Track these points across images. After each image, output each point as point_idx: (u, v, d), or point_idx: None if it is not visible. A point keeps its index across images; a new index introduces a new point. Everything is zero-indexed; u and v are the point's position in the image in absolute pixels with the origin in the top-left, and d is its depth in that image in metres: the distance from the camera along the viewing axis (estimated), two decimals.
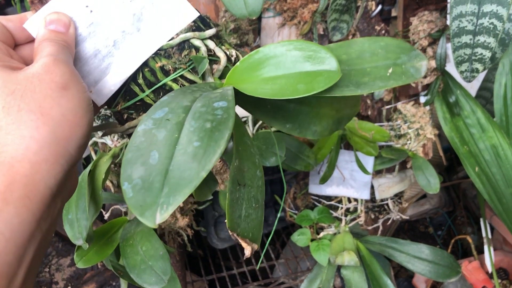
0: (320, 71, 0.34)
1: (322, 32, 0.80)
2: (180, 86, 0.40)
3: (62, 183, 0.31)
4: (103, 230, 0.75)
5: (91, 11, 0.38)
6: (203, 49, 0.40)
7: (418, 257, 0.93)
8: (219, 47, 0.42)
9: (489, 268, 1.21)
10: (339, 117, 0.45)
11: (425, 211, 1.54)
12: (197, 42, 0.40)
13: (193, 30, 0.41)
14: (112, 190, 0.83)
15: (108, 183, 0.85)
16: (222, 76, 0.42)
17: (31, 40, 0.38)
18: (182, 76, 0.40)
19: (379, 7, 0.82)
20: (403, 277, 1.39)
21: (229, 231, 0.33)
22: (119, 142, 0.79)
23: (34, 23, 0.37)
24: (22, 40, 0.37)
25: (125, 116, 0.42)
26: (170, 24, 0.40)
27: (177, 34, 0.40)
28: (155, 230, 0.76)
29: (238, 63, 0.38)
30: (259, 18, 0.80)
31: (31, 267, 0.29)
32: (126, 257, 0.69)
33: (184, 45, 0.40)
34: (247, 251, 0.33)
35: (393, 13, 0.86)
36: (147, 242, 0.71)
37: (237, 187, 0.35)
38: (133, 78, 0.40)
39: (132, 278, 0.68)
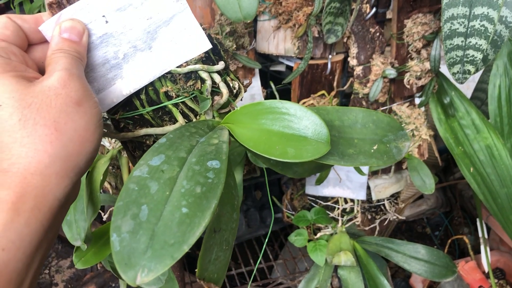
0: (311, 140, 0.36)
1: (317, 35, 0.81)
2: (180, 111, 0.41)
3: (70, 194, 0.32)
4: (101, 231, 0.75)
5: (107, 21, 0.39)
6: (208, 83, 0.41)
7: (414, 257, 0.94)
8: (224, 80, 0.43)
9: (486, 268, 1.22)
10: (320, 165, 0.48)
11: (422, 211, 1.55)
12: (204, 75, 0.41)
13: (203, 60, 0.42)
14: (110, 191, 0.84)
15: (106, 184, 0.85)
16: (222, 106, 0.43)
17: (44, 41, 0.38)
18: (183, 102, 0.41)
19: (374, 9, 0.83)
20: (401, 277, 1.39)
21: (197, 279, 0.34)
22: (116, 145, 0.80)
23: (49, 26, 0.38)
24: (35, 41, 0.38)
25: (122, 125, 0.43)
26: (183, 50, 0.40)
27: (187, 63, 0.41)
28: None
29: (238, 109, 0.39)
30: (255, 21, 0.81)
31: (36, 273, 0.30)
32: None
33: (191, 75, 0.41)
34: None
35: (388, 16, 0.87)
36: None
37: (212, 235, 0.36)
38: (136, 92, 0.41)
39: None
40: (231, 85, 0.44)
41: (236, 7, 0.59)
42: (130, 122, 0.42)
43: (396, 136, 0.41)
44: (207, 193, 0.29)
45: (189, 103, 0.41)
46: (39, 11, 1.00)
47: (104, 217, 0.85)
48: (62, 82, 0.33)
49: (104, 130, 0.46)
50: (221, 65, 0.43)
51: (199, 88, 0.41)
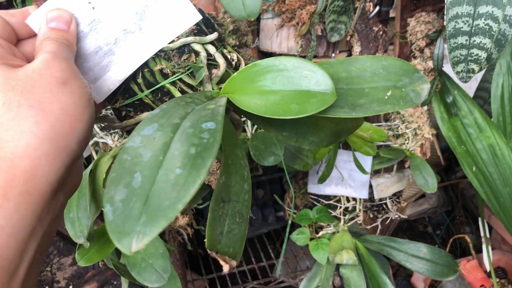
0: (314, 92, 0.34)
1: (320, 33, 0.81)
2: (178, 89, 0.40)
3: (63, 178, 0.31)
4: (104, 229, 0.75)
5: (94, 7, 0.38)
6: (202, 54, 0.40)
7: (416, 256, 0.94)
8: (220, 51, 0.42)
9: (487, 267, 1.22)
10: (338, 130, 0.44)
11: (424, 210, 1.55)
12: (197, 47, 0.40)
13: (195, 33, 0.41)
14: None
15: None
16: (222, 81, 0.41)
17: (34, 35, 0.38)
18: (180, 80, 0.40)
19: (377, 8, 0.83)
20: (402, 276, 1.39)
21: (208, 250, 0.32)
22: (119, 142, 0.80)
23: (36, 18, 0.37)
24: (24, 35, 0.37)
25: (123, 113, 0.42)
26: (173, 25, 0.40)
27: (178, 37, 0.40)
28: None
29: (235, 74, 0.38)
30: (258, 19, 0.81)
31: (33, 262, 0.29)
32: (127, 255, 0.70)
33: (184, 49, 0.40)
34: (225, 268, 0.33)
35: (391, 14, 0.87)
36: None
37: (221, 204, 0.35)
38: (132, 77, 0.40)
39: (133, 276, 0.69)
40: (229, 57, 0.43)
41: (240, 5, 0.59)
42: (131, 109, 0.42)
43: (411, 79, 0.38)
44: (202, 153, 0.28)
45: (187, 79, 0.40)
46: None
47: None
48: (45, 63, 0.32)
49: (105, 123, 0.46)
50: (214, 35, 0.42)
51: (194, 61, 0.40)
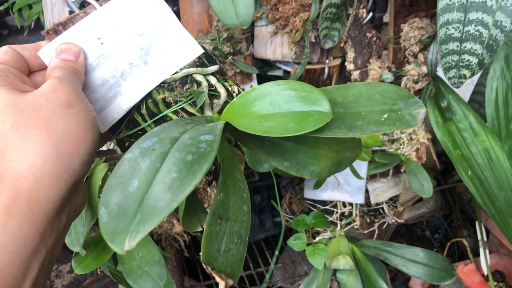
0: (311, 112, 0.35)
1: (314, 40, 0.81)
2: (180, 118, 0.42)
3: (66, 198, 0.32)
4: (100, 236, 0.75)
5: (102, 43, 0.40)
6: (204, 84, 0.42)
7: (413, 260, 0.94)
8: (221, 83, 0.43)
9: (485, 271, 1.22)
10: (338, 159, 0.45)
11: (422, 214, 1.55)
12: (199, 77, 0.42)
13: (197, 66, 0.42)
14: None
15: None
16: (222, 111, 0.43)
17: (45, 68, 0.40)
18: (182, 109, 0.41)
19: (370, 14, 0.84)
20: (400, 280, 1.39)
21: (203, 264, 0.33)
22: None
23: (47, 51, 0.39)
24: (36, 67, 0.40)
25: (127, 144, 0.44)
26: (176, 59, 0.41)
27: (181, 69, 0.41)
28: (151, 236, 0.77)
29: (235, 99, 0.39)
30: (252, 27, 0.82)
31: (36, 281, 0.29)
32: (123, 263, 0.71)
33: (186, 79, 0.42)
34: (222, 285, 0.33)
35: (384, 20, 0.88)
36: (144, 248, 0.72)
37: (218, 221, 0.35)
38: (137, 108, 0.42)
39: (129, 283, 0.69)
40: (230, 89, 0.45)
41: (232, 14, 0.60)
42: (134, 140, 0.43)
43: (406, 104, 0.39)
44: (199, 159, 0.28)
45: (189, 109, 0.41)
46: (38, 18, 1.01)
47: None
48: (52, 88, 0.34)
49: (107, 155, 0.47)
50: (215, 66, 0.43)
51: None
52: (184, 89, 0.41)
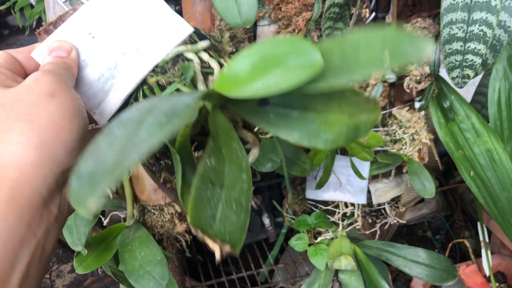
0: (302, 65, 0.33)
1: (316, 40, 0.81)
2: None
3: (54, 188, 0.31)
4: (102, 236, 0.75)
5: (94, 37, 0.40)
6: (195, 61, 0.41)
7: (415, 261, 0.94)
8: (216, 59, 0.42)
9: (487, 272, 1.22)
10: (354, 124, 0.41)
11: (423, 215, 1.54)
12: (190, 55, 0.41)
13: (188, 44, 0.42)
14: (111, 196, 0.84)
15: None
16: None
17: None
18: (178, 90, 0.41)
19: (373, 14, 0.83)
20: (402, 281, 1.39)
21: (192, 228, 0.31)
22: None
23: (40, 52, 0.39)
24: (31, 69, 0.40)
25: None
26: (166, 41, 0.41)
27: (172, 50, 0.41)
28: (153, 236, 0.77)
29: (224, 69, 0.37)
30: (255, 26, 0.82)
31: (28, 273, 0.29)
32: (125, 262, 0.70)
33: (178, 59, 0.41)
34: (217, 253, 0.30)
35: (387, 20, 0.88)
36: (145, 247, 0.72)
37: (210, 186, 0.33)
38: (134, 97, 0.41)
39: (131, 283, 0.69)
40: (225, 65, 0.43)
41: (235, 13, 0.60)
42: None
43: (411, 42, 0.34)
44: (173, 119, 0.27)
45: (183, 88, 0.41)
46: (40, 17, 1.01)
47: (105, 222, 0.85)
48: (35, 79, 0.34)
49: None
50: (205, 42, 0.42)
51: None
52: (176, 69, 0.41)
